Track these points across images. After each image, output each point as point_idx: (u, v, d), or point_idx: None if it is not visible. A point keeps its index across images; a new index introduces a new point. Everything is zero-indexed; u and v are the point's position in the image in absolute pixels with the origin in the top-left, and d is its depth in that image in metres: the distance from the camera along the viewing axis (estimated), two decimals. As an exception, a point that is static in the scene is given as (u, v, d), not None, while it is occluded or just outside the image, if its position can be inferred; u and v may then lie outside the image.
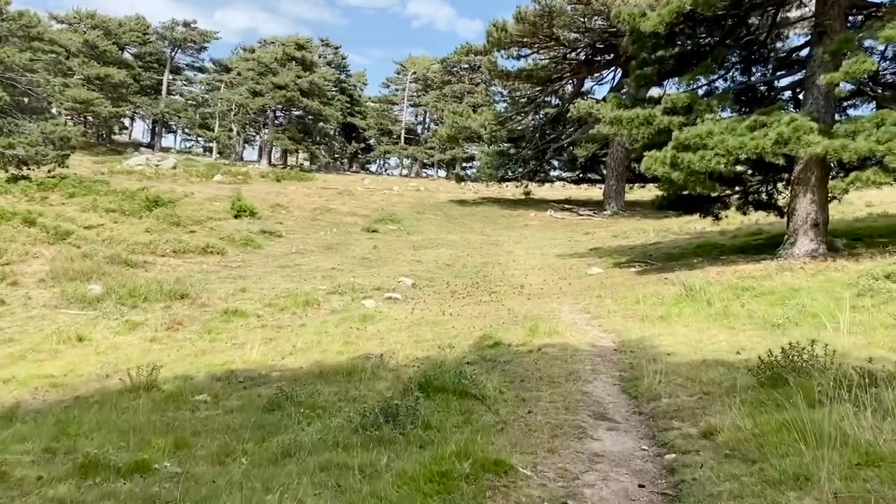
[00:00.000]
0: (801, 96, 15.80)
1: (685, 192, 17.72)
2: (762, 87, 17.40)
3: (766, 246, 18.50)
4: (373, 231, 28.58)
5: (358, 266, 21.23)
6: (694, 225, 27.48)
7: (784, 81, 16.84)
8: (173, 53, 73.86)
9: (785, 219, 20.06)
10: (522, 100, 39.60)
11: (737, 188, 18.67)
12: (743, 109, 16.25)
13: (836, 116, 14.87)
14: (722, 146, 13.50)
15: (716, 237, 22.40)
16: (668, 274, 15.36)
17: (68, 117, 62.17)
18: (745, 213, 19.46)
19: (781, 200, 19.15)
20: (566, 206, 39.02)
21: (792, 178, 14.72)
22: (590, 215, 35.75)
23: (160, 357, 9.71)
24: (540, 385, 6.21)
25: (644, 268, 17.45)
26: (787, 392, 4.61)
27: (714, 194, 16.97)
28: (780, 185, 19.00)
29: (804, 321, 8.00)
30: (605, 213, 36.20)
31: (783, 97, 16.81)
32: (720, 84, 17.42)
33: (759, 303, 9.76)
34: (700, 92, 16.57)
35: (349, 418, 5.12)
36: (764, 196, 18.92)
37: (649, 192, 48.94)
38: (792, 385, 4.75)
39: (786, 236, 14.87)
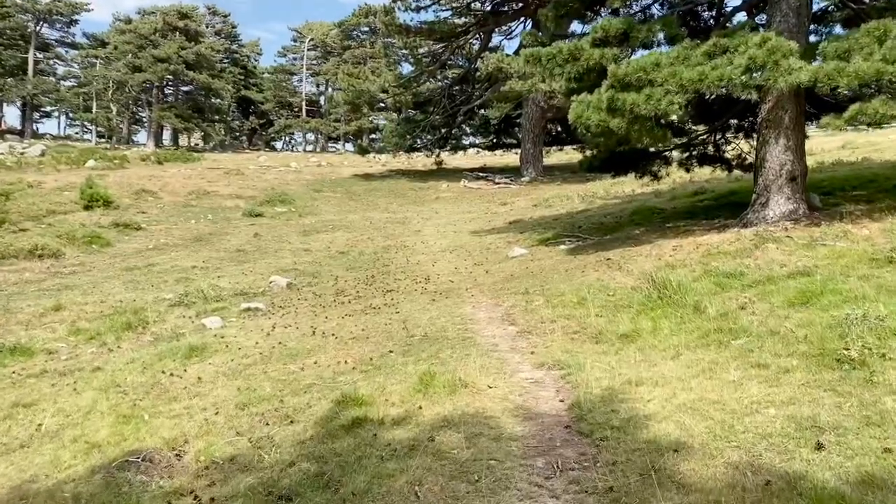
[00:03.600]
0: (758, 19, 12.63)
1: (620, 149, 14.48)
2: (706, 13, 14.18)
3: (716, 208, 15.48)
4: (256, 215, 24.34)
5: (228, 262, 17.12)
6: (621, 187, 24.52)
7: (735, 0, 13.64)
8: (38, 28, 65.99)
9: (728, 173, 17.17)
10: (426, 59, 35.65)
11: (677, 140, 15.54)
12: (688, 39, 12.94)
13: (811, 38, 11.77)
14: (674, 81, 10.12)
15: (651, 200, 19.33)
16: (610, 252, 12.02)
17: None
18: (688, 170, 16.34)
19: (730, 152, 16.17)
20: (481, 174, 35.58)
21: (760, 119, 11.52)
22: (507, 183, 32.42)
23: None
24: None
25: (577, 244, 14.08)
26: None
27: (661, 147, 13.77)
28: (728, 134, 16.01)
29: (888, 344, 4.65)
30: (523, 179, 32.94)
31: (734, 22, 13.58)
32: (656, 11, 14.10)
33: (768, 302, 6.41)
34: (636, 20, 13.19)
35: None
36: (711, 148, 15.85)
37: (567, 155, 46.15)
38: None
39: (754, 195, 11.70)
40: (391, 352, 7.34)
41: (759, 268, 8.19)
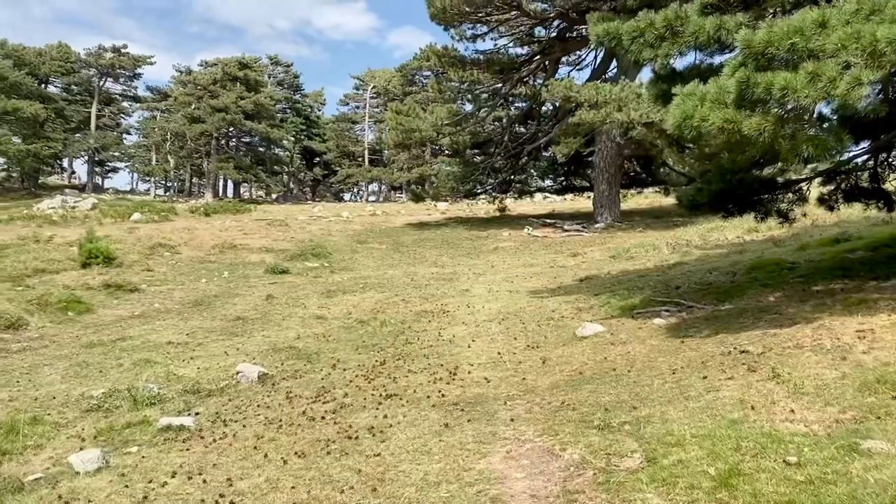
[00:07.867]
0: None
1: (737, 177, 10.18)
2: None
3: (881, 262, 10.70)
4: (281, 272, 20.70)
5: (218, 334, 13.32)
6: (721, 233, 19.84)
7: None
8: (102, 82, 66.14)
9: (888, 212, 12.45)
10: (484, 94, 31.93)
11: (815, 165, 10.99)
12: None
13: None
14: (857, 46, 5.80)
15: (771, 250, 14.65)
16: (741, 336, 7.54)
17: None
18: (832, 209, 11.72)
19: (890, 183, 11.53)
20: (548, 220, 31.30)
21: None
22: (578, 231, 27.99)
23: None
24: None
25: (680, 317, 9.60)
26: None
27: (799, 175, 9.36)
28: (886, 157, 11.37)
29: None
30: (596, 226, 28.45)
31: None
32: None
33: None
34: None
35: None
36: (865, 177, 11.23)
37: (647, 199, 41.29)
38: None
39: None
40: None
41: None
